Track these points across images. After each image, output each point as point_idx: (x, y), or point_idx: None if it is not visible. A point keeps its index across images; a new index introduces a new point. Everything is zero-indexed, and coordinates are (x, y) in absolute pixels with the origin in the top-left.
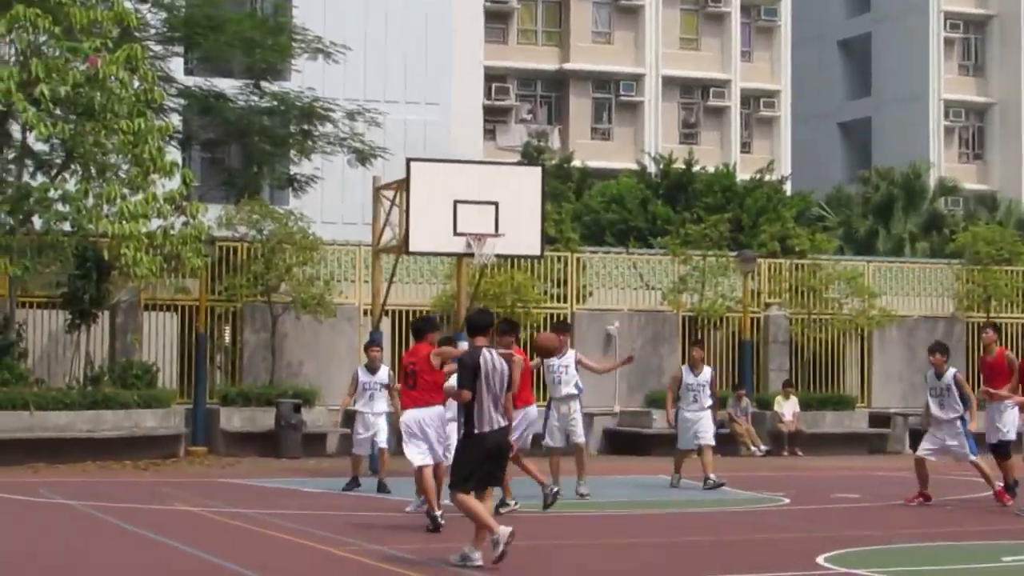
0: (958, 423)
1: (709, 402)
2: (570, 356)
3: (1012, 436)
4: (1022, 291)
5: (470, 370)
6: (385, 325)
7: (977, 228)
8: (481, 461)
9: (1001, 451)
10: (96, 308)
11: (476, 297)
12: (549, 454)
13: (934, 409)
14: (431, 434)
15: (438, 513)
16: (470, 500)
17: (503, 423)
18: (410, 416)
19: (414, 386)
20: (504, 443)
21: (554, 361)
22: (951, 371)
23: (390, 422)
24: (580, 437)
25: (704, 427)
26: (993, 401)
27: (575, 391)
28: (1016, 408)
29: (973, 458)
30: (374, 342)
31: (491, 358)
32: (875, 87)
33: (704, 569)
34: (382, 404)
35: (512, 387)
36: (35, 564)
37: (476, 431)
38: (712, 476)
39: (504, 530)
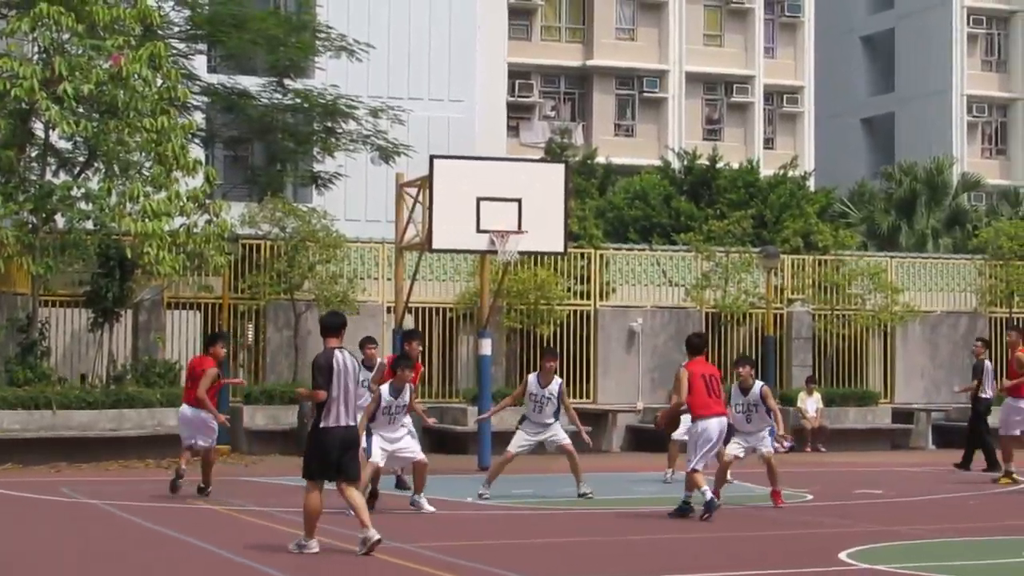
0: (765, 431)
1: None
2: (557, 388)
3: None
4: None
5: (326, 370)
6: (408, 322)
7: (1000, 223)
8: (326, 453)
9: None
10: (119, 307)
11: (499, 294)
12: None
13: (739, 424)
14: None
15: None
16: (313, 493)
17: (353, 422)
18: None
19: None
20: (350, 437)
21: (538, 391)
22: (758, 385)
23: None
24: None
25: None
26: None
27: (554, 419)
28: None
29: (769, 450)
30: (370, 339)
31: (343, 359)
32: (898, 83)
33: (728, 565)
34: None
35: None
36: (58, 562)
37: (322, 425)
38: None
39: (314, 544)
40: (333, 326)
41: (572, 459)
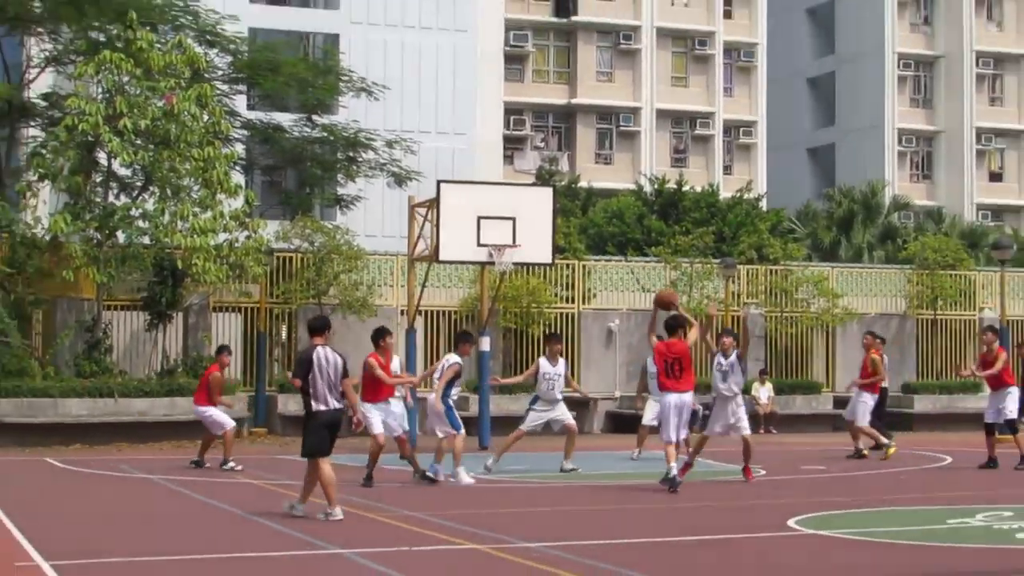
0: (739, 399)
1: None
2: (563, 367)
3: (1014, 415)
4: (964, 292)
5: (305, 363)
6: (419, 323)
7: (926, 238)
8: (321, 431)
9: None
10: (171, 310)
11: (497, 299)
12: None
13: (717, 382)
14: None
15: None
16: (324, 466)
17: (338, 404)
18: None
19: None
20: (337, 418)
21: (550, 370)
22: (735, 352)
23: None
24: (572, 421)
25: None
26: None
27: (561, 396)
28: (1016, 392)
29: (746, 433)
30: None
31: (324, 353)
32: (839, 118)
33: (686, 531)
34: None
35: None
36: (115, 523)
37: (314, 409)
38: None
39: (338, 512)
40: (315, 327)
41: (572, 437)
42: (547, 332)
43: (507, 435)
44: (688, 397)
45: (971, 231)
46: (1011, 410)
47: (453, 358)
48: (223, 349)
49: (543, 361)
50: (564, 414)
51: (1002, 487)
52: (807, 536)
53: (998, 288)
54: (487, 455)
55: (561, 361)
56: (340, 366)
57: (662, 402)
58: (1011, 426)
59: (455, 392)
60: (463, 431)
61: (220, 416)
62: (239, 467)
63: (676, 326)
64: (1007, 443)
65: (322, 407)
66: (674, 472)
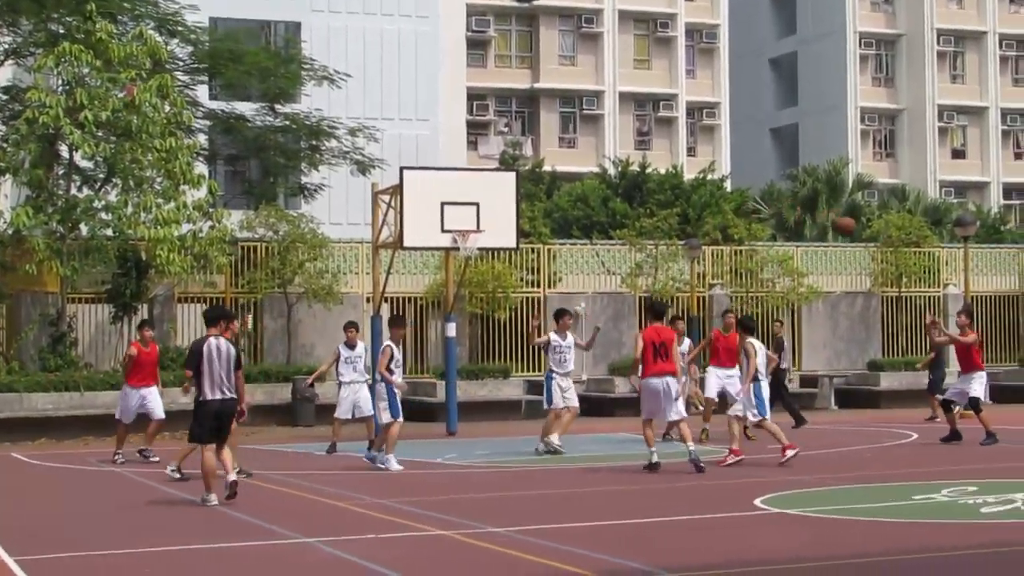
0: (737, 382)
1: None
2: (571, 339)
3: (978, 395)
4: (928, 269)
5: (196, 354)
6: (384, 310)
7: (889, 216)
8: (208, 420)
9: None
10: (136, 302)
11: (462, 284)
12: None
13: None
14: None
15: None
16: (207, 454)
17: (229, 394)
18: None
19: None
20: (227, 408)
21: (560, 343)
22: (748, 339)
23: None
24: (576, 405)
25: None
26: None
27: (572, 367)
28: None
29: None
30: (352, 324)
31: (216, 343)
32: (801, 98)
33: (653, 513)
34: (359, 375)
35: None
36: (82, 520)
37: (201, 399)
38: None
39: (212, 497)
40: (210, 318)
41: (571, 419)
42: (558, 309)
43: (474, 421)
44: (673, 379)
45: (934, 208)
46: (975, 390)
47: (385, 342)
48: (143, 324)
49: (554, 336)
50: (573, 395)
51: (966, 462)
52: (774, 515)
53: (962, 264)
54: (453, 440)
55: (570, 335)
56: (232, 357)
57: (648, 385)
58: (975, 405)
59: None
60: (401, 418)
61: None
62: (122, 460)
63: (662, 312)
64: (969, 419)
65: (209, 396)
66: (656, 457)
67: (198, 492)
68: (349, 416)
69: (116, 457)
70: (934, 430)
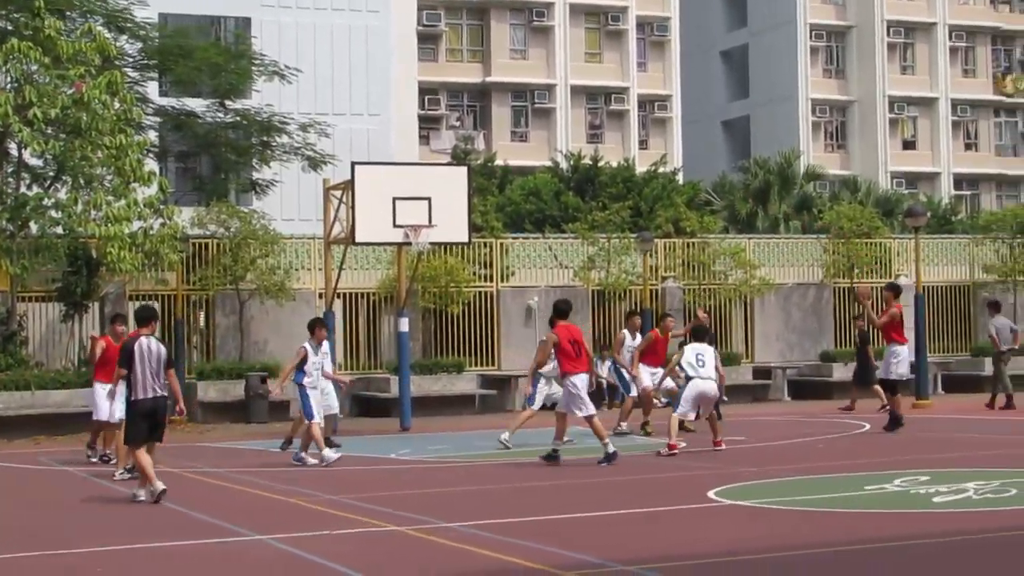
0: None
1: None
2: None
3: (904, 376)
4: (880, 260)
5: (127, 353)
6: (337, 306)
7: (841, 207)
8: (141, 420)
9: (890, 387)
10: (87, 300)
11: (415, 279)
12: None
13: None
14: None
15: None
16: (140, 453)
17: (160, 392)
18: None
19: None
20: (159, 406)
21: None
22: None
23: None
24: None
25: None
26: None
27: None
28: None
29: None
30: (321, 322)
31: (147, 343)
32: (752, 90)
33: (607, 506)
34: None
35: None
36: (33, 520)
37: (132, 398)
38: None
39: (160, 485)
40: (141, 318)
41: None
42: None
43: (428, 416)
44: (584, 377)
45: (885, 199)
46: (893, 369)
47: (303, 344)
48: (116, 318)
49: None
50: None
51: (918, 452)
52: (727, 507)
53: (913, 255)
54: (407, 436)
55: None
56: (163, 356)
57: (570, 382)
58: (890, 387)
59: (307, 380)
60: (315, 419)
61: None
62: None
63: (568, 310)
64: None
65: (140, 396)
66: (612, 448)
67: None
68: (333, 410)
69: (90, 454)
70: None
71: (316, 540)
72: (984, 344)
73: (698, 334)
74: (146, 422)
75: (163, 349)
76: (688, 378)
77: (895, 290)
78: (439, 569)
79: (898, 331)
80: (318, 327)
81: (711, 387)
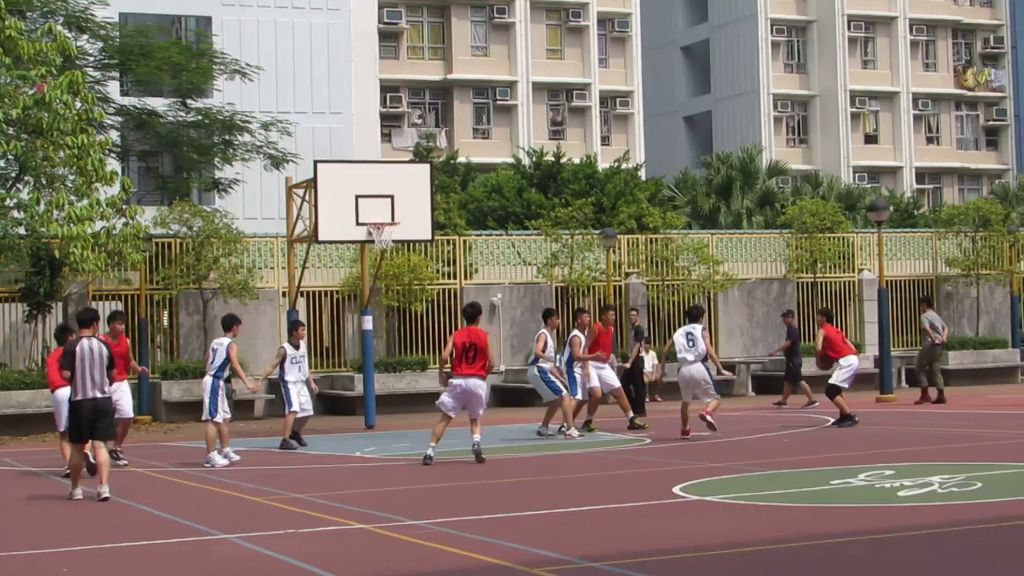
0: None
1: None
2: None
3: (845, 385)
4: (843, 254)
5: (70, 355)
6: (300, 305)
7: (803, 202)
8: (79, 420)
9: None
10: (50, 300)
11: (378, 277)
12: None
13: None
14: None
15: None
16: (74, 451)
17: (102, 393)
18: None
19: None
20: (100, 406)
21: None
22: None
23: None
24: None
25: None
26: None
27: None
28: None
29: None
30: (300, 323)
31: (88, 344)
32: (714, 85)
33: (573, 502)
34: (303, 374)
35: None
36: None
37: (73, 399)
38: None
39: (79, 493)
40: (82, 320)
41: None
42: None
43: (393, 414)
44: (479, 381)
45: (848, 193)
46: (835, 377)
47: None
48: (115, 316)
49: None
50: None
51: (883, 447)
52: (694, 502)
53: (876, 249)
54: (372, 434)
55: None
56: (104, 357)
57: (454, 385)
58: (831, 392)
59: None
60: (218, 418)
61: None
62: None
63: (475, 314)
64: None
65: (80, 397)
66: (430, 451)
67: (125, 491)
68: (308, 412)
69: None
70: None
71: (283, 538)
72: (948, 337)
73: (692, 315)
74: (85, 422)
75: (105, 350)
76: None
77: (826, 315)
78: (405, 566)
79: (836, 348)
80: (298, 327)
81: (698, 370)
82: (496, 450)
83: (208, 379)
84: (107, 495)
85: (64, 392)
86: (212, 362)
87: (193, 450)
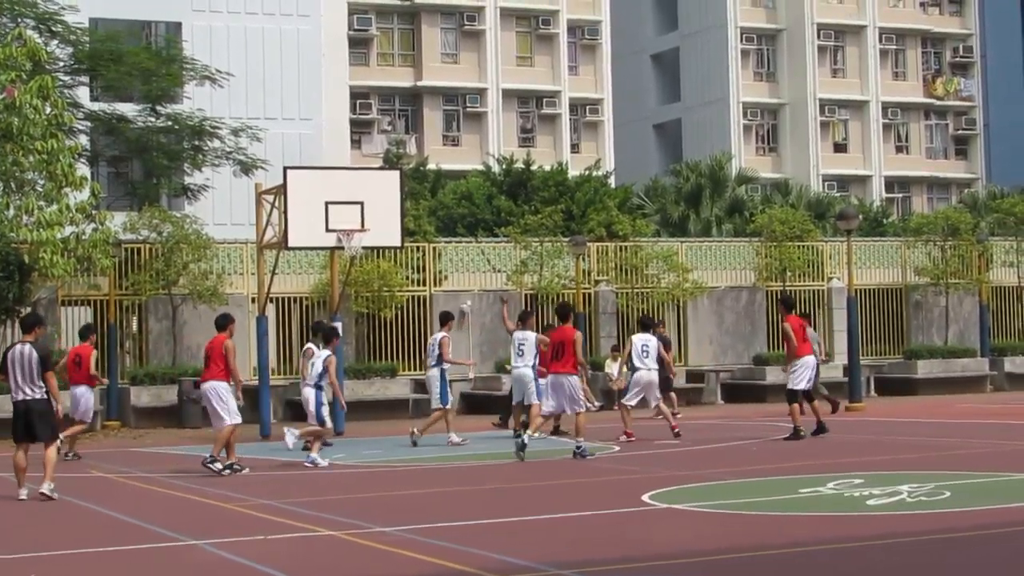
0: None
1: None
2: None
3: (801, 387)
4: (812, 263)
5: (3, 360)
6: (270, 311)
7: (773, 210)
8: (15, 422)
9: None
10: (19, 305)
11: (348, 284)
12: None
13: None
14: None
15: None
16: (18, 454)
17: (31, 395)
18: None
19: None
20: (32, 408)
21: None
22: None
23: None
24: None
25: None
26: None
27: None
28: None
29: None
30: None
31: (19, 349)
32: (684, 93)
33: (542, 509)
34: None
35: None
36: None
37: (13, 400)
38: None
39: (23, 492)
40: (24, 324)
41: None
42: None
43: (362, 420)
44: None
45: (817, 202)
46: (793, 382)
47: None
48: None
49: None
50: None
51: (852, 455)
52: (661, 510)
53: (845, 258)
54: (341, 440)
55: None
56: (35, 361)
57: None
58: (807, 395)
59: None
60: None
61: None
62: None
63: (567, 313)
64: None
65: (15, 398)
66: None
67: (91, 496)
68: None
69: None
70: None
71: (250, 544)
72: (916, 347)
73: (644, 325)
74: (19, 422)
75: (36, 354)
76: (634, 369)
77: (787, 304)
78: (372, 573)
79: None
80: (335, 338)
81: (655, 377)
82: (466, 457)
83: (310, 390)
84: (46, 492)
85: (81, 388)
86: (311, 373)
87: (160, 456)
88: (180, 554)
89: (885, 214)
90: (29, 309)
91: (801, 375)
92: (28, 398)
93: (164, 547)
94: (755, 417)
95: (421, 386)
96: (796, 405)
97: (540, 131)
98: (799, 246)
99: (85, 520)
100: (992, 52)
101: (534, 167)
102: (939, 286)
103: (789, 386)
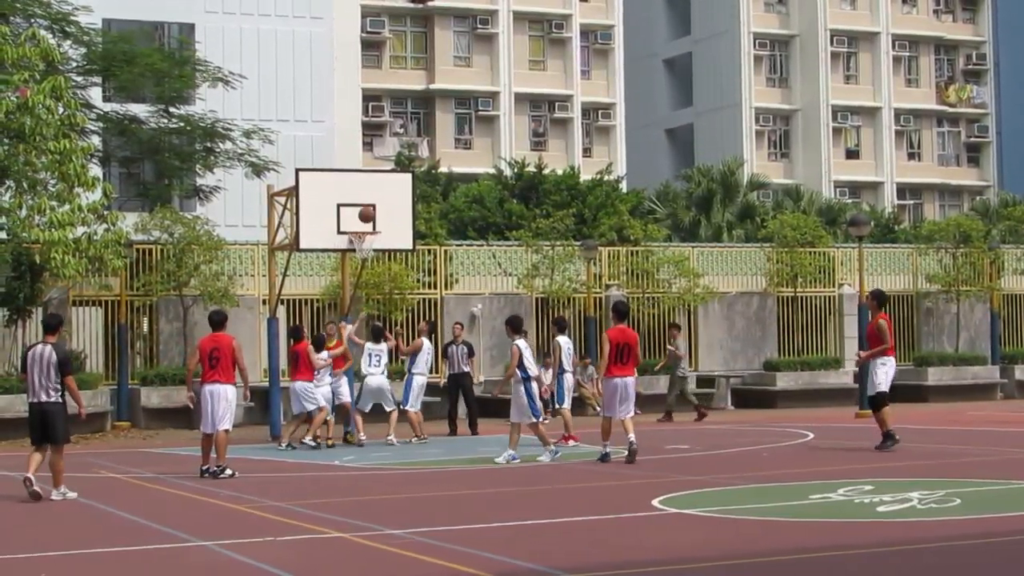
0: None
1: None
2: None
3: (885, 388)
4: (823, 269)
5: (23, 359)
6: (281, 312)
7: (784, 216)
8: (31, 423)
9: (874, 403)
10: (30, 305)
11: (358, 286)
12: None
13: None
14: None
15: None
16: (35, 453)
17: (48, 398)
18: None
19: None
20: (48, 410)
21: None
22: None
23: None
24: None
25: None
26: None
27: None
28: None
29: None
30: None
31: (40, 350)
32: (696, 98)
33: (552, 514)
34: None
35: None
36: None
37: (29, 401)
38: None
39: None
40: (46, 326)
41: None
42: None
43: (373, 423)
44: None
45: (828, 208)
46: (882, 381)
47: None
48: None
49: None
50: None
51: (862, 462)
52: (672, 515)
53: (856, 264)
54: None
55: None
56: (53, 362)
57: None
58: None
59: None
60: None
61: None
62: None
63: (626, 312)
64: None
65: (31, 400)
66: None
67: (103, 497)
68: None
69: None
70: (835, 431)
71: (260, 546)
72: (927, 354)
73: (561, 326)
74: (36, 423)
75: (55, 356)
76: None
77: (879, 300)
78: (381, 575)
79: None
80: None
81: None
82: (474, 461)
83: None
84: (56, 499)
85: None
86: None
87: (170, 457)
88: (189, 555)
89: (897, 221)
90: (40, 309)
91: (888, 376)
92: (43, 400)
93: (172, 548)
94: (765, 423)
95: (431, 389)
96: (887, 409)
97: (552, 135)
98: (810, 252)
99: (93, 520)
100: (1005, 59)
101: (546, 171)
102: (950, 293)
103: (876, 390)
